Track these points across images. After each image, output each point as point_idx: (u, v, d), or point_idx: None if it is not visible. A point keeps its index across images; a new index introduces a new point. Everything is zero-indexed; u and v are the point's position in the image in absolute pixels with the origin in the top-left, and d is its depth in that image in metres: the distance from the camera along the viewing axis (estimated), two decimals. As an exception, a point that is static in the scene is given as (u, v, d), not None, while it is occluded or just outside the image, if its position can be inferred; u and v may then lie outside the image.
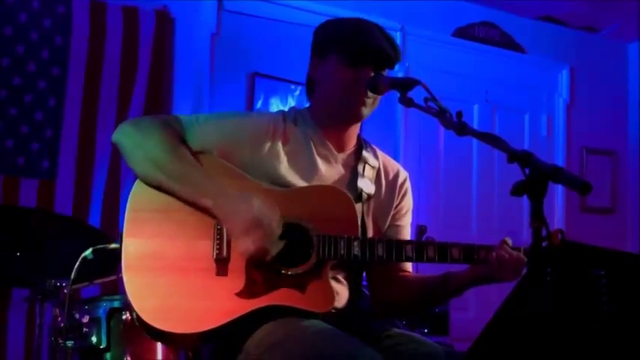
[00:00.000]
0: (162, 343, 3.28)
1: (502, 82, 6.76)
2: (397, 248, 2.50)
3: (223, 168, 2.49)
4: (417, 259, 2.53)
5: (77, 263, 3.27)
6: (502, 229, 6.45)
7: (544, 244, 1.71)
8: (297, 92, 5.49)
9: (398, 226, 2.80)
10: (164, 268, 2.36)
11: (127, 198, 2.43)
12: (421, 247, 2.52)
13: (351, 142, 2.74)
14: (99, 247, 3.35)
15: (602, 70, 7.27)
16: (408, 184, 2.85)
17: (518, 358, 1.72)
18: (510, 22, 6.77)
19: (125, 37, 5.06)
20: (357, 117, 2.65)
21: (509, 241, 2.55)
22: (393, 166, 2.85)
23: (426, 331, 5.16)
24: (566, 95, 7.04)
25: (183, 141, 2.47)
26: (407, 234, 2.84)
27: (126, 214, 2.42)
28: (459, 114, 2.16)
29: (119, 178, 4.91)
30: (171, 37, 5.31)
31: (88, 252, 3.30)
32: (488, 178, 6.55)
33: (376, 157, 2.78)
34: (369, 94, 2.57)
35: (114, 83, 5.02)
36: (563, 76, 7.06)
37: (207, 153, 2.50)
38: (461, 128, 2.14)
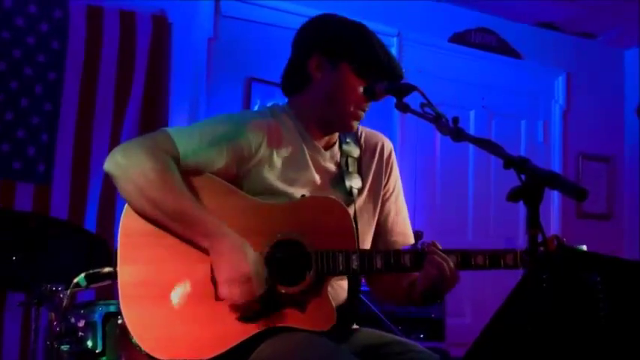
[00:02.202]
0: None
1: (499, 88, 6.78)
2: (395, 259, 2.46)
3: (214, 186, 2.42)
4: (414, 269, 2.48)
5: (69, 290, 3.24)
6: (498, 235, 6.47)
7: (540, 249, 1.71)
8: (294, 97, 5.49)
9: (389, 207, 2.76)
10: (162, 296, 2.31)
11: (123, 203, 2.39)
12: (419, 256, 2.46)
13: (334, 139, 2.69)
14: (91, 272, 3.32)
15: (599, 76, 7.28)
16: (393, 157, 2.80)
17: (514, 364, 1.72)
18: (507, 28, 6.78)
19: (122, 42, 5.06)
20: (349, 130, 2.63)
21: (438, 245, 2.49)
22: (376, 141, 2.78)
23: (422, 336, 5.15)
24: (562, 101, 7.05)
25: (176, 165, 2.37)
26: (400, 211, 2.79)
27: (119, 239, 2.35)
28: (455, 120, 2.15)
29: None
30: (168, 42, 5.32)
31: (80, 278, 3.27)
32: (485, 184, 6.56)
33: (357, 140, 2.73)
34: (366, 107, 2.57)
35: (110, 88, 5.02)
36: (560, 82, 7.08)
37: (198, 172, 2.42)
38: (457, 134, 2.12)
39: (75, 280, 3.25)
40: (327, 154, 2.64)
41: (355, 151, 2.69)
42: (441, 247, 2.48)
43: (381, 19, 5.76)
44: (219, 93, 5.43)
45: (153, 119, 5.10)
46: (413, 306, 3.12)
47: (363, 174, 2.68)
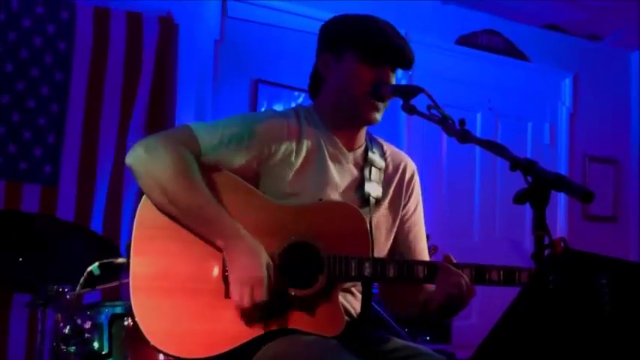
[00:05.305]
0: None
1: (505, 90, 6.77)
2: (408, 269, 2.44)
3: (232, 184, 2.43)
4: (426, 281, 2.48)
5: (83, 277, 3.24)
6: (504, 237, 6.45)
7: (546, 252, 1.71)
8: (301, 99, 5.50)
9: (409, 228, 2.74)
10: (172, 290, 2.31)
11: (130, 203, 2.40)
12: (433, 269, 2.45)
13: (361, 140, 2.68)
14: (105, 261, 3.32)
15: (605, 78, 7.28)
16: (416, 178, 2.78)
17: (520, 367, 1.71)
18: (514, 30, 6.78)
19: (128, 43, 5.06)
20: (369, 121, 2.58)
21: (452, 258, 2.49)
22: (401, 160, 2.77)
23: (428, 338, 5.15)
24: (569, 103, 7.05)
25: (197, 162, 2.38)
26: (419, 233, 2.78)
27: (134, 230, 2.36)
28: (462, 122, 2.15)
29: (121, 184, 4.90)
30: (175, 44, 5.32)
31: (94, 266, 3.27)
32: (491, 186, 6.56)
33: (382, 154, 2.72)
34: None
35: (117, 89, 5.02)
36: (566, 84, 7.07)
37: (217, 168, 2.43)
38: (463, 136, 2.13)
39: (89, 269, 3.25)
40: (351, 155, 2.64)
41: (380, 163, 2.69)
42: (454, 261, 2.47)
43: (387, 20, 5.74)
44: (226, 95, 5.43)
45: (159, 120, 5.10)
46: (427, 319, 3.11)
47: (384, 186, 2.67)
